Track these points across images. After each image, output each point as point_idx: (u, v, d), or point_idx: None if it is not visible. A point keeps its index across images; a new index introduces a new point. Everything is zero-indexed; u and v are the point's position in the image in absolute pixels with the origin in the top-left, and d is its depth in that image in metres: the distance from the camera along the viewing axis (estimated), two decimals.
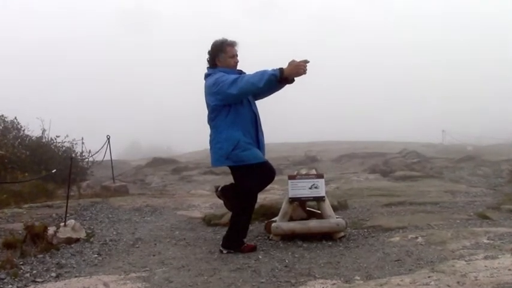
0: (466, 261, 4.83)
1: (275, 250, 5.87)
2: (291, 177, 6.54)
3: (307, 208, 6.83)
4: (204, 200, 10.27)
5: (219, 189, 6.21)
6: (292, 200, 6.45)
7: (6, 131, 15.57)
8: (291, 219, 6.50)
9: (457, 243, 5.61)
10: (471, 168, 16.45)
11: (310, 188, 6.41)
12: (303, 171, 6.82)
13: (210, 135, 5.82)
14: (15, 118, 16.09)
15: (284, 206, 6.53)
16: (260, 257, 5.55)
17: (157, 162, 22.88)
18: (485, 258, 4.88)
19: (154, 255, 5.86)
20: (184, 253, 5.92)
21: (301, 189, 6.42)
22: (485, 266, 4.54)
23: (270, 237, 6.38)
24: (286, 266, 5.16)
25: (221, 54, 5.62)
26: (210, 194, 11.55)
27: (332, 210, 6.53)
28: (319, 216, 6.52)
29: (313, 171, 6.80)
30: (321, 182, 6.45)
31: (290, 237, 6.27)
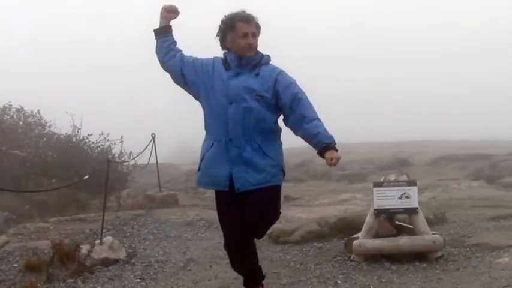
0: None
1: (357, 273, 5.82)
2: (377, 185, 6.50)
3: (397, 222, 6.79)
4: None
5: None
6: (378, 213, 6.40)
7: (28, 128, 14.73)
8: (377, 235, 6.45)
9: None
10: None
11: (400, 198, 6.35)
12: (392, 177, 6.76)
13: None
14: (38, 112, 15.24)
15: (368, 219, 6.48)
16: (339, 281, 5.52)
17: None
18: None
19: (209, 280, 5.89)
20: None
21: (389, 199, 6.37)
22: None
23: (352, 258, 6.33)
24: None
25: (230, 33, 4.87)
26: None
27: (427, 225, 6.44)
28: (411, 232, 6.44)
29: (404, 177, 6.73)
30: (413, 191, 6.38)
31: (375, 258, 6.22)
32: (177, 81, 4.97)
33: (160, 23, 4.98)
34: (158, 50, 5.00)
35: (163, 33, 4.98)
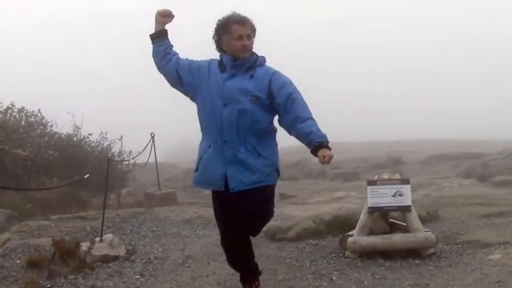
0: None
1: (352, 270, 5.80)
2: (371, 183, 6.47)
3: (390, 220, 6.75)
4: None
5: None
6: (372, 210, 6.37)
7: (30, 127, 14.47)
8: (371, 232, 6.41)
9: None
10: None
11: (393, 196, 6.32)
12: (385, 176, 6.76)
13: None
14: (40, 112, 15.04)
15: (362, 217, 6.44)
16: (334, 278, 5.50)
17: None
18: None
19: (207, 276, 5.86)
20: None
21: (383, 197, 6.34)
22: None
23: (346, 254, 6.31)
24: None
25: (225, 35, 4.80)
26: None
27: (420, 223, 6.42)
28: (404, 229, 6.42)
29: (397, 176, 6.73)
30: (406, 189, 6.36)
31: (370, 255, 6.19)
32: (173, 85, 4.93)
33: (156, 28, 4.93)
34: (155, 55, 4.95)
35: (159, 37, 4.92)
